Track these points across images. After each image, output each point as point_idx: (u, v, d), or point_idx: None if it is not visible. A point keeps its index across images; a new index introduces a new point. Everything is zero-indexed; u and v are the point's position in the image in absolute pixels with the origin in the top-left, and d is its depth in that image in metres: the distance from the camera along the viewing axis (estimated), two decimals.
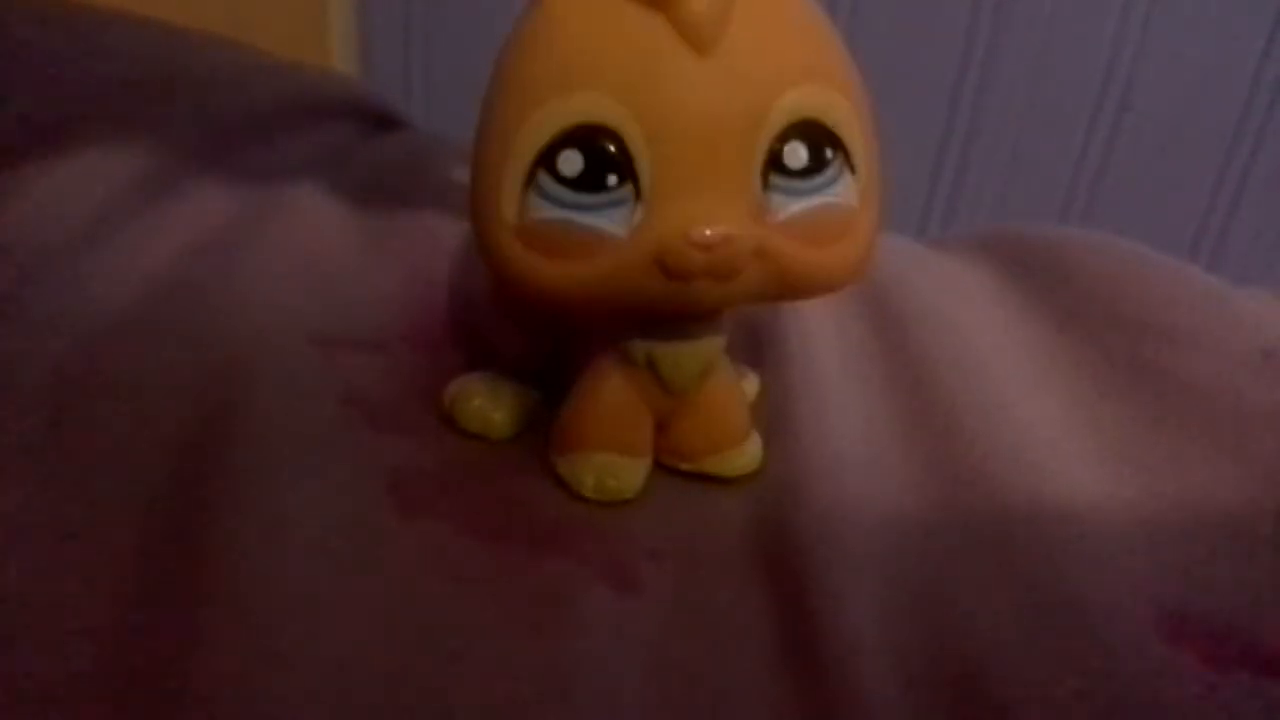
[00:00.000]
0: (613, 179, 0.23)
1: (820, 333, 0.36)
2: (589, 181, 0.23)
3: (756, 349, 0.35)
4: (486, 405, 0.29)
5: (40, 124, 0.41)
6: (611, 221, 0.23)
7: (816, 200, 0.24)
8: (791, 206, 0.23)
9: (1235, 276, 0.43)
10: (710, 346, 0.27)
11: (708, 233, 0.23)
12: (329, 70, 0.69)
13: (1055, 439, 0.33)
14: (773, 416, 0.31)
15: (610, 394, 0.27)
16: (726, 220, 0.23)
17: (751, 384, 0.33)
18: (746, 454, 0.29)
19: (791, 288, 0.25)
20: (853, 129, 0.24)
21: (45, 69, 0.45)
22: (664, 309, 0.25)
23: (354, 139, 0.51)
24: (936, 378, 0.35)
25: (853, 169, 0.24)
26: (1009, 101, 0.78)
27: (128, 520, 0.24)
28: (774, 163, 0.23)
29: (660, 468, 0.29)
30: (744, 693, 0.23)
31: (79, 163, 0.38)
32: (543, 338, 0.30)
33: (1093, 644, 0.25)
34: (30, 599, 0.22)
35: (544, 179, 0.23)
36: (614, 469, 0.28)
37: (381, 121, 0.55)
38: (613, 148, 0.23)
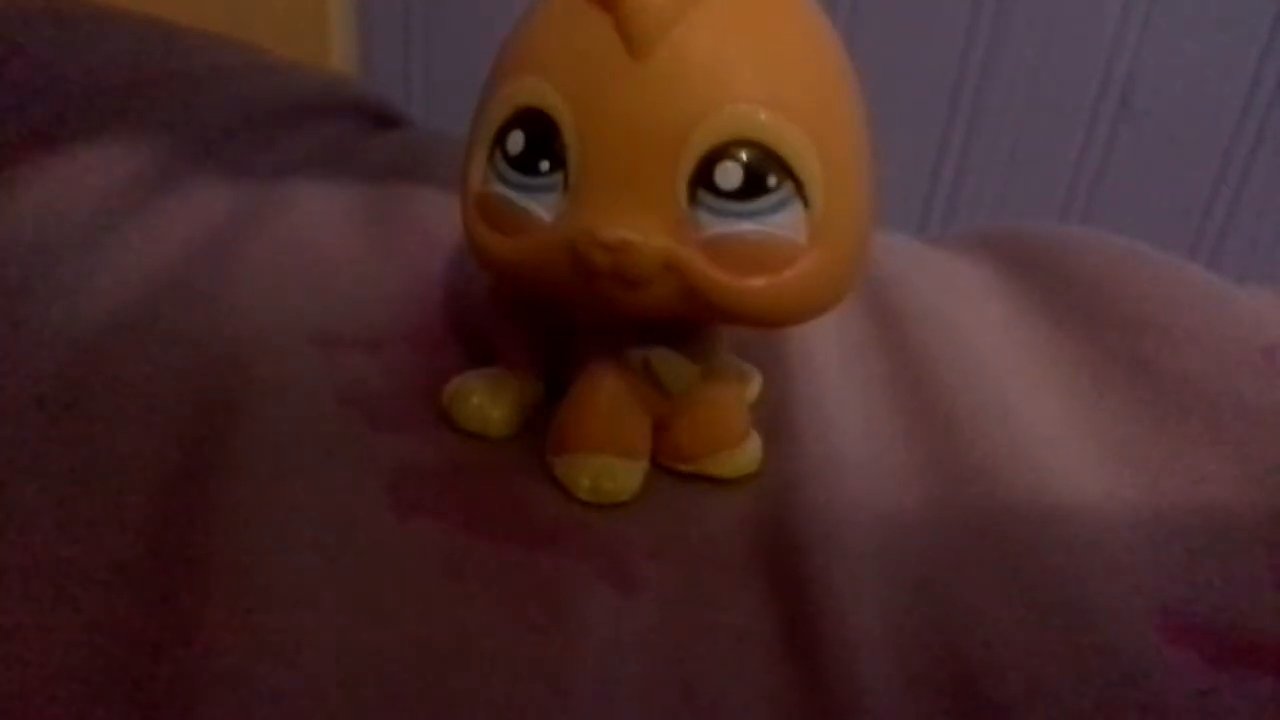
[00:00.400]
0: (545, 164, 0.23)
1: (820, 331, 0.36)
2: (525, 163, 0.24)
3: (757, 347, 0.35)
4: (485, 403, 0.29)
5: (40, 122, 0.41)
6: (541, 205, 0.24)
7: (748, 225, 0.23)
8: (718, 227, 0.23)
9: (1235, 275, 0.43)
10: (707, 352, 0.27)
11: (609, 234, 0.23)
12: (328, 69, 0.69)
13: (1055, 438, 0.33)
14: (772, 415, 0.31)
15: (607, 396, 0.27)
16: (636, 227, 0.23)
17: (754, 383, 0.32)
18: (745, 455, 0.29)
19: (707, 308, 0.24)
20: (808, 159, 0.23)
21: (44, 67, 0.45)
22: (584, 302, 0.25)
23: (354, 137, 0.51)
24: (936, 376, 0.35)
25: (805, 202, 0.23)
26: (1009, 100, 0.78)
27: (127, 519, 0.24)
28: (704, 179, 0.23)
29: (660, 468, 0.29)
30: (744, 692, 0.23)
31: (78, 161, 0.38)
32: (541, 337, 0.30)
33: (1093, 642, 0.25)
34: (29, 596, 0.22)
35: (496, 155, 0.24)
36: (610, 471, 0.27)
37: (381, 119, 0.55)
38: (548, 135, 0.23)
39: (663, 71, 0.22)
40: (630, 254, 0.23)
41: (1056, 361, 0.37)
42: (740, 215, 0.23)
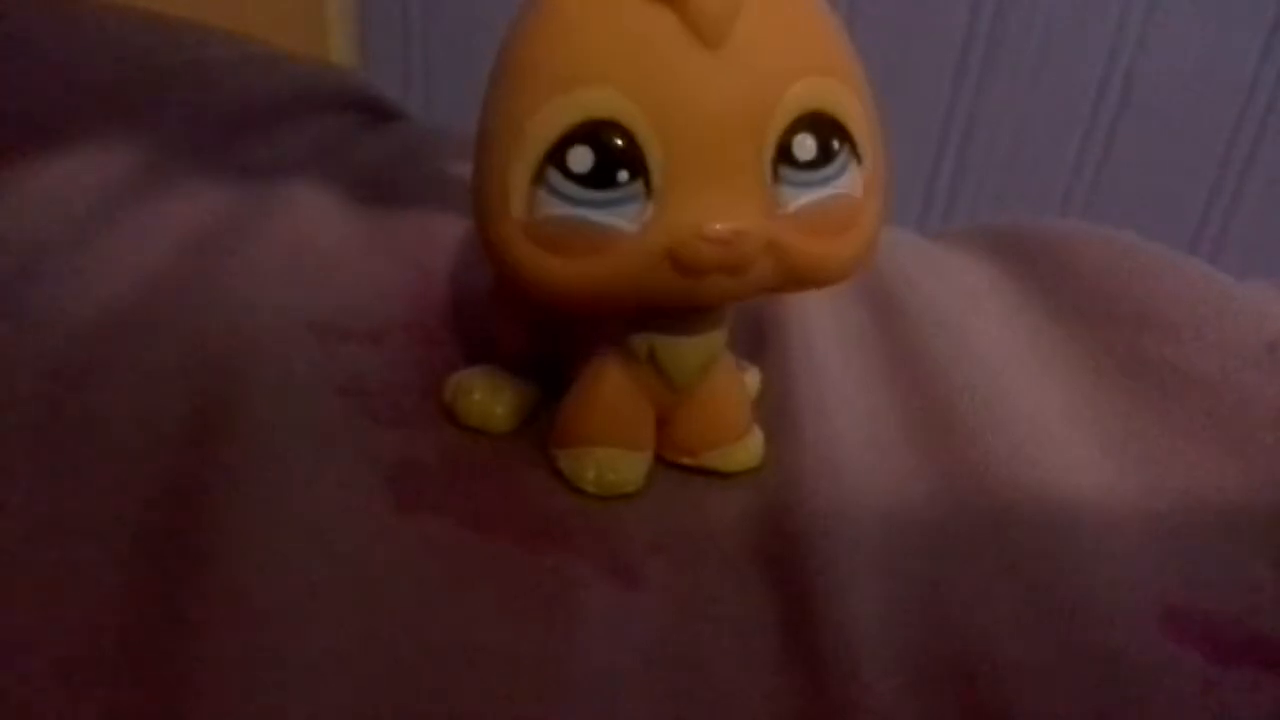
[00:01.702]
0: (624, 175, 0.23)
1: (821, 326, 0.36)
2: (600, 178, 0.23)
3: (758, 343, 0.35)
4: (487, 399, 0.29)
5: (38, 117, 0.40)
6: (623, 218, 0.23)
7: (824, 192, 0.24)
8: (801, 198, 0.23)
9: (1236, 270, 0.43)
10: (712, 341, 0.27)
11: (720, 228, 0.23)
12: (328, 64, 0.69)
13: (1057, 433, 0.33)
14: (774, 410, 0.31)
15: (611, 388, 0.27)
16: (739, 215, 0.23)
17: (753, 379, 0.33)
18: (748, 449, 0.29)
19: (800, 279, 0.25)
20: (858, 120, 0.24)
21: (43, 62, 0.44)
22: (674, 303, 0.25)
23: (353, 131, 0.51)
24: (938, 371, 0.35)
25: (859, 159, 0.24)
26: (1010, 95, 0.78)
27: (125, 514, 0.24)
28: (783, 155, 0.23)
29: (661, 462, 0.29)
30: (745, 687, 0.23)
31: (77, 156, 0.38)
32: (543, 331, 0.29)
33: (1094, 639, 0.25)
34: (27, 596, 0.22)
35: (553, 175, 0.23)
36: (615, 463, 0.28)
37: (380, 114, 0.55)
38: (623, 143, 0.22)
39: (737, 57, 0.22)
40: (740, 243, 0.23)
41: (1058, 356, 0.37)
42: (817, 183, 0.24)
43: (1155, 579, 0.27)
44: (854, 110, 0.24)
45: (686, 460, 0.29)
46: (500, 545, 0.25)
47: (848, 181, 0.24)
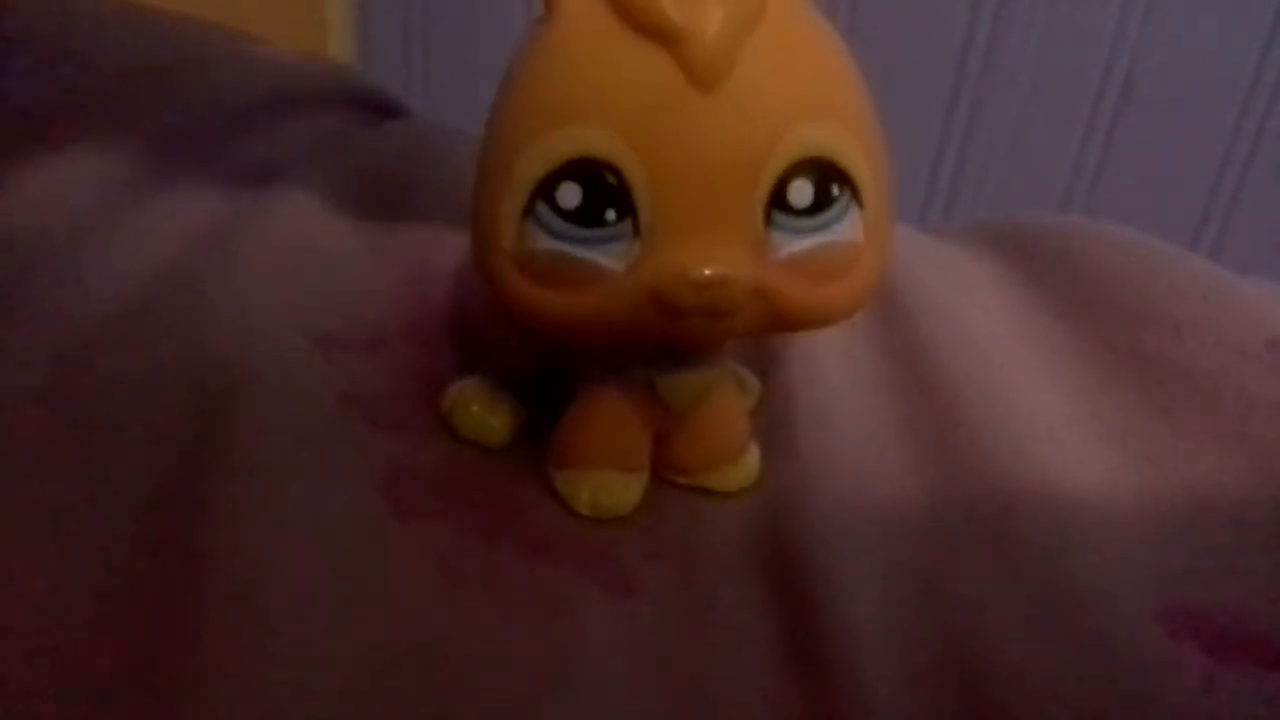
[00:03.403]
0: (611, 214, 0.22)
1: None
2: (587, 215, 0.22)
3: (758, 341, 0.35)
4: (484, 412, 0.29)
5: (38, 115, 0.40)
6: (609, 256, 0.23)
7: (819, 238, 0.23)
8: (794, 245, 0.23)
9: (1237, 266, 0.43)
10: (711, 373, 0.27)
11: (706, 273, 0.22)
12: (327, 60, 0.69)
13: (1058, 430, 0.33)
14: (774, 411, 0.31)
15: (607, 412, 0.27)
16: (725, 261, 0.22)
17: (752, 386, 0.32)
18: (743, 469, 0.29)
19: (788, 324, 0.24)
20: (861, 164, 0.23)
21: (43, 59, 0.44)
22: (661, 342, 0.25)
23: (353, 128, 0.51)
24: (939, 368, 0.35)
25: (860, 204, 0.23)
26: (1011, 91, 0.78)
27: (124, 516, 0.24)
28: (777, 200, 0.23)
29: (657, 479, 0.29)
30: (744, 692, 0.23)
31: (76, 154, 0.38)
32: (541, 350, 0.29)
33: (1095, 636, 0.25)
34: (23, 596, 0.22)
35: (542, 210, 0.23)
36: (610, 486, 0.27)
37: (382, 110, 0.55)
38: (613, 182, 0.22)
39: (731, 101, 0.22)
40: (725, 289, 0.22)
41: (1059, 353, 0.37)
42: (813, 230, 0.23)
43: (1156, 576, 0.27)
44: (856, 154, 0.23)
45: (682, 480, 0.29)
46: (498, 552, 0.25)
47: (846, 227, 0.23)
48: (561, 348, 0.28)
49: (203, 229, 0.36)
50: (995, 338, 0.37)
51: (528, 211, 0.23)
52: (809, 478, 0.29)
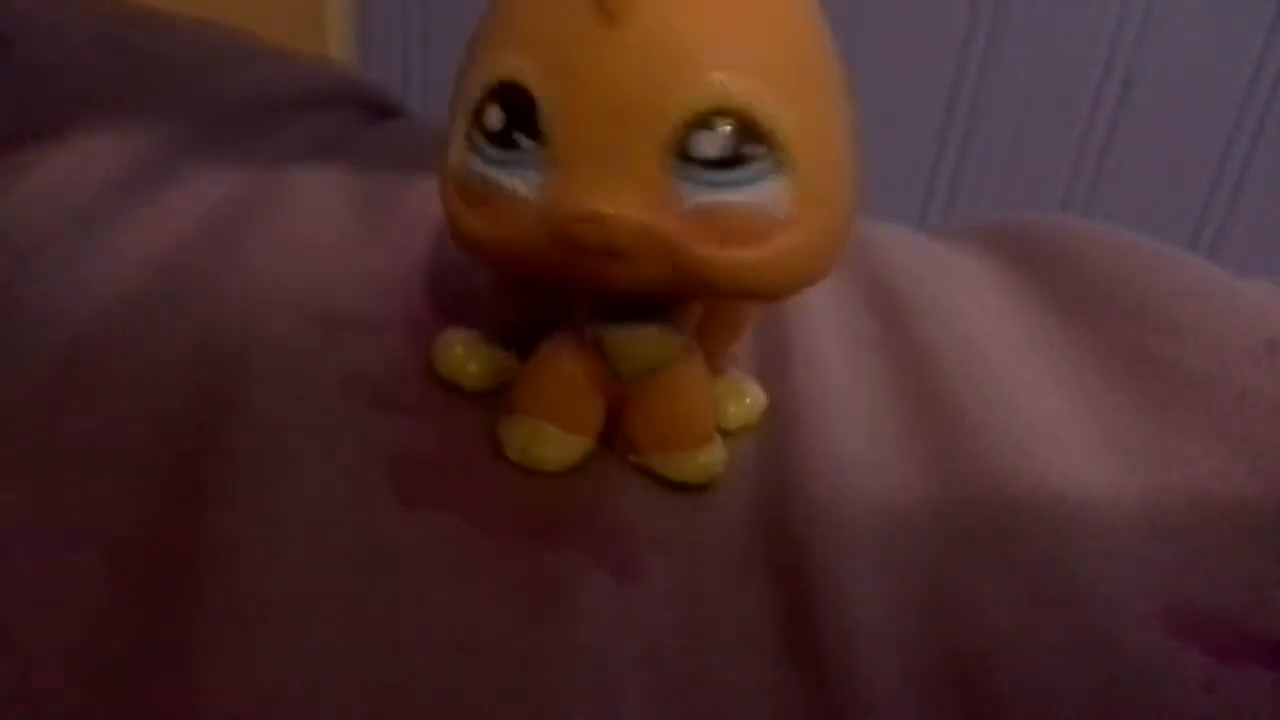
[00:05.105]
0: (523, 138, 0.23)
1: (822, 323, 0.36)
2: (504, 138, 0.23)
3: (757, 339, 0.35)
4: (465, 355, 0.30)
5: (37, 110, 0.40)
6: (521, 181, 0.23)
7: (727, 195, 0.22)
8: (698, 197, 0.22)
9: (1236, 266, 0.43)
10: (660, 337, 0.27)
11: (588, 208, 0.22)
12: (327, 59, 0.69)
13: (1058, 430, 0.33)
14: (774, 407, 0.31)
15: (556, 364, 0.27)
16: (616, 200, 0.22)
17: (755, 402, 0.31)
18: (698, 462, 0.28)
19: (696, 281, 0.24)
20: (785, 125, 0.22)
21: (42, 56, 0.44)
22: (580, 283, 0.25)
23: (353, 127, 0.51)
24: (939, 368, 0.35)
25: (785, 171, 0.23)
26: (1010, 90, 0.78)
27: (126, 507, 0.24)
28: (684, 150, 0.22)
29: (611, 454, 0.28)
30: (745, 682, 0.23)
31: (76, 148, 0.38)
32: (528, 305, 0.30)
33: (1096, 636, 0.25)
34: (22, 595, 0.22)
35: (474, 133, 0.24)
36: (544, 438, 0.27)
37: (381, 110, 0.55)
38: (526, 108, 0.23)
39: (639, 42, 0.22)
40: (607, 226, 0.22)
41: (1059, 353, 0.37)
42: (721, 185, 0.22)
43: (1156, 576, 0.27)
44: (781, 114, 0.22)
45: (632, 459, 0.28)
46: (501, 538, 0.25)
47: (766, 190, 0.23)
48: (544, 303, 0.29)
49: (203, 224, 0.36)
50: (995, 337, 0.37)
51: (468, 137, 0.24)
52: (812, 471, 0.29)
